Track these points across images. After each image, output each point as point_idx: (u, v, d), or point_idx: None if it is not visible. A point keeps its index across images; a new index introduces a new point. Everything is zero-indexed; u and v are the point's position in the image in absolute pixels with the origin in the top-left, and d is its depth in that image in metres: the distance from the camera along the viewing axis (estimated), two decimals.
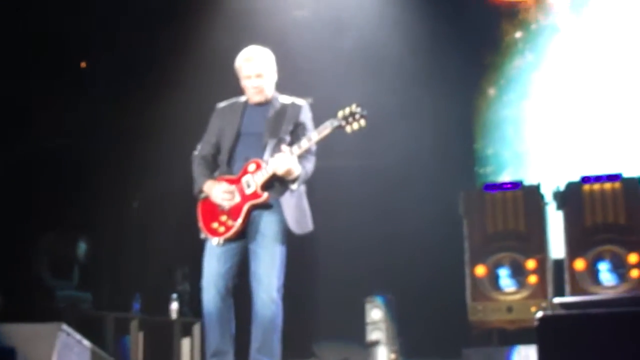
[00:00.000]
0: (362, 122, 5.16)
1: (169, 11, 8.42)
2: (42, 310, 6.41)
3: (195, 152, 5.50)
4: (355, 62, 8.51)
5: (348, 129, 5.17)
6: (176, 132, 7.76)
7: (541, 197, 7.72)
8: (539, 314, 4.14)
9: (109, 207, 8.37)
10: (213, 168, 5.42)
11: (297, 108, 5.37)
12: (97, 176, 8.38)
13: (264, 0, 8.43)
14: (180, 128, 7.10)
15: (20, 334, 5.40)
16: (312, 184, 5.43)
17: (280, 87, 5.43)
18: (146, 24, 8.44)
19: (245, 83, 5.36)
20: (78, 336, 5.38)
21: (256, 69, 5.32)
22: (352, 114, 5.15)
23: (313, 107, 5.45)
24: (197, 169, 5.44)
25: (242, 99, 5.45)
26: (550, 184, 7.79)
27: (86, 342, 5.43)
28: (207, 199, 5.32)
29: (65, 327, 5.30)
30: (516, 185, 7.82)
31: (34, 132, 7.97)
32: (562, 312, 4.30)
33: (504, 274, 7.65)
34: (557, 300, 6.73)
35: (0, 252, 6.78)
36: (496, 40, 8.92)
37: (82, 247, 7.29)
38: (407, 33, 8.57)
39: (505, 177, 8.56)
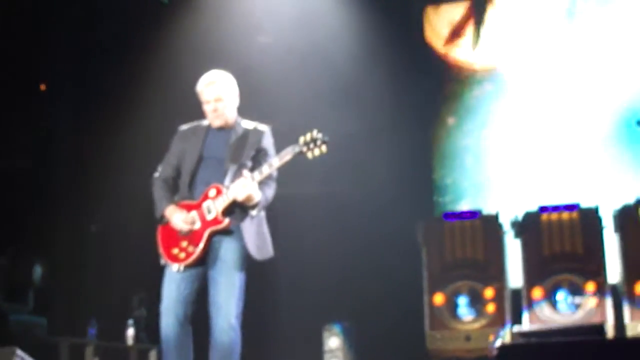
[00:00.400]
0: (323, 148, 5.16)
1: (131, 34, 8.40)
2: None
3: (156, 174, 5.45)
4: (317, 89, 8.52)
5: (309, 154, 5.17)
6: (136, 155, 7.71)
7: (499, 226, 7.77)
8: (498, 343, 4.15)
9: (67, 231, 8.29)
10: (174, 191, 5.38)
11: (259, 133, 5.35)
12: (55, 199, 8.31)
13: (227, 25, 8.42)
14: (141, 151, 7.06)
15: None
16: (273, 210, 5.41)
17: (242, 111, 5.41)
18: (108, 47, 8.40)
19: (205, 107, 5.34)
20: None
21: (216, 93, 5.30)
22: (314, 140, 5.15)
23: (274, 133, 5.45)
24: (158, 191, 5.38)
25: (205, 122, 5.43)
26: (508, 213, 7.84)
27: None
28: (167, 224, 5.28)
29: (19, 352, 5.22)
30: (474, 214, 7.86)
31: None
32: (520, 340, 4.31)
33: (462, 302, 7.67)
34: (516, 329, 6.77)
35: None
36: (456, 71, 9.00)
37: (37, 271, 7.19)
38: (368, 62, 8.62)
39: (463, 207, 8.60)
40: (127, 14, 8.38)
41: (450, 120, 8.98)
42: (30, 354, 5.74)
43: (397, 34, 8.72)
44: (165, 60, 8.16)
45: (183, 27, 8.36)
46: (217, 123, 5.34)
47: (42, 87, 8.78)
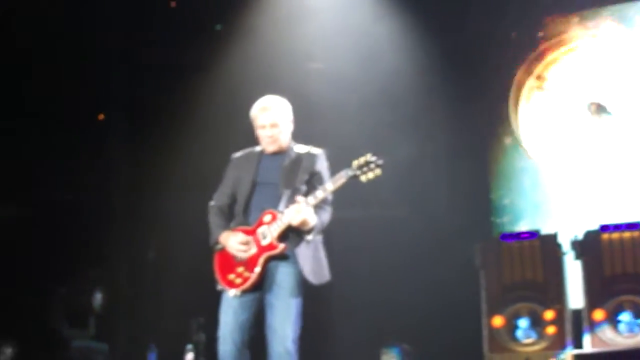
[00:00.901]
0: (378, 171, 5.16)
1: (185, 61, 8.49)
2: None
3: (212, 203, 5.51)
4: (372, 113, 8.51)
5: (363, 178, 5.17)
6: (192, 183, 7.78)
7: (559, 246, 7.64)
8: None
9: (125, 258, 8.37)
10: (229, 218, 5.42)
11: (312, 157, 5.37)
12: (113, 227, 8.40)
13: (280, 51, 8.47)
14: (197, 179, 7.12)
15: None
16: (329, 234, 5.41)
17: (296, 137, 5.44)
18: (162, 75, 8.50)
19: (260, 132, 5.37)
20: None
21: (271, 119, 5.34)
22: (367, 163, 5.16)
23: (330, 158, 5.46)
24: (213, 219, 5.44)
25: (258, 148, 5.46)
26: (568, 233, 7.73)
27: None
28: (223, 250, 5.32)
29: None
30: (533, 234, 7.75)
31: (50, 185, 8.00)
32: None
33: (521, 324, 7.56)
34: (574, 352, 6.66)
35: (17, 302, 6.77)
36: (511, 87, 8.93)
37: (98, 298, 7.28)
38: (422, 83, 8.60)
39: (522, 227, 8.49)
40: (181, 42, 8.48)
41: (507, 140, 8.90)
42: None
43: (453, 56, 8.68)
44: (219, 87, 8.22)
45: (236, 54, 8.42)
46: (271, 148, 5.37)
47: (100, 116, 8.90)
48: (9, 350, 6.02)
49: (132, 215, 8.44)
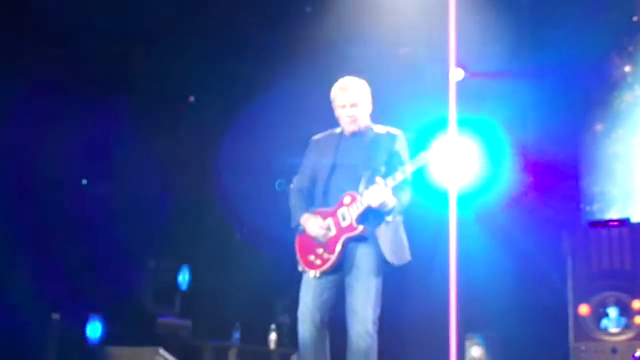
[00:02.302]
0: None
1: (274, 42, 8.55)
2: (143, 335, 6.52)
3: (292, 186, 5.55)
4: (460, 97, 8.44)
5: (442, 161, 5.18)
6: (280, 164, 7.84)
7: None
8: (638, 354, 4.02)
9: (213, 238, 8.49)
10: (309, 201, 5.44)
11: (392, 137, 5.36)
12: (202, 207, 8.53)
13: (367, 35, 8.46)
14: (285, 161, 7.17)
15: (121, 357, 5.53)
16: (410, 216, 5.41)
17: (376, 119, 5.45)
18: (250, 56, 8.58)
19: (340, 112, 5.38)
20: None
21: (351, 99, 5.34)
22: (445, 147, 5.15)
23: (412, 141, 5.46)
24: (294, 202, 5.47)
25: (337, 130, 5.48)
26: None
27: None
28: (304, 232, 5.36)
29: (162, 351, 5.40)
30: (623, 222, 7.61)
31: (143, 165, 8.16)
32: None
33: (609, 314, 7.43)
34: None
35: (106, 278, 6.95)
36: (605, 75, 8.74)
37: (185, 276, 7.41)
38: (510, 67, 8.49)
39: (612, 215, 8.33)
40: (270, 23, 8.54)
41: (599, 127, 8.73)
42: (175, 356, 5.94)
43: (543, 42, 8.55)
44: (306, 69, 8.25)
45: (323, 36, 8.44)
46: (351, 128, 5.37)
47: (191, 99, 9.02)
48: None
49: (221, 193, 8.55)
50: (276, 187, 6.85)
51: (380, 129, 5.41)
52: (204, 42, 8.55)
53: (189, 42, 8.47)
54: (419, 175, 5.26)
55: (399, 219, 5.32)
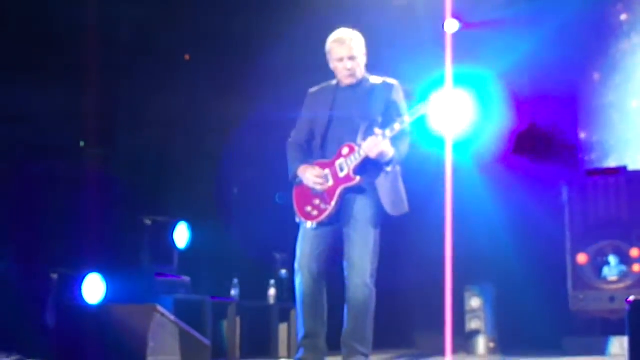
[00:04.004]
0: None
1: None
2: (141, 293, 6.54)
3: (290, 139, 5.53)
4: (455, 48, 8.38)
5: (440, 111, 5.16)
6: (276, 119, 7.79)
7: None
8: (631, 298, 4.02)
9: (210, 194, 8.48)
10: (307, 153, 5.43)
11: (388, 87, 5.32)
12: (198, 164, 8.51)
13: None
14: (280, 115, 7.13)
15: (118, 314, 5.54)
16: (408, 167, 5.39)
17: (370, 72, 5.42)
18: (241, 9, 8.52)
19: (337, 65, 5.34)
20: (173, 317, 5.48)
21: (348, 51, 5.30)
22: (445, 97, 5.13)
23: (409, 93, 5.43)
24: (292, 155, 5.46)
25: (333, 82, 5.45)
26: None
27: (181, 324, 5.52)
28: (302, 184, 5.34)
29: (159, 307, 5.40)
30: (620, 170, 7.60)
31: (139, 124, 8.13)
32: None
33: (609, 262, 7.44)
34: None
35: (103, 236, 6.95)
36: (601, 23, 8.68)
37: (182, 232, 7.40)
38: (506, 17, 8.43)
39: (609, 164, 8.30)
40: None
41: (596, 76, 8.68)
42: (174, 313, 5.94)
43: None
44: (302, 23, 8.17)
45: None
46: (348, 81, 5.34)
47: (186, 57, 8.97)
48: None
49: (216, 151, 8.53)
50: (276, 199, 6.91)
51: (376, 79, 5.38)
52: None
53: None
54: (417, 124, 5.22)
55: (398, 169, 5.30)
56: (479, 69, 7.85)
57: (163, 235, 7.26)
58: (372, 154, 5.12)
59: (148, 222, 7.10)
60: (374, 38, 5.52)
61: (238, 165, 8.58)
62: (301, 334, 5.29)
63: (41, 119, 7.20)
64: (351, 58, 5.30)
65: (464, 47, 8.28)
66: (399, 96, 5.34)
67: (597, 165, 8.38)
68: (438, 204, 7.93)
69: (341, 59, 5.31)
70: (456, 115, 7.92)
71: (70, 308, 6.14)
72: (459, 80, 7.42)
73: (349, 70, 5.31)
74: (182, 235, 7.40)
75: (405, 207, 5.32)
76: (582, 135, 8.66)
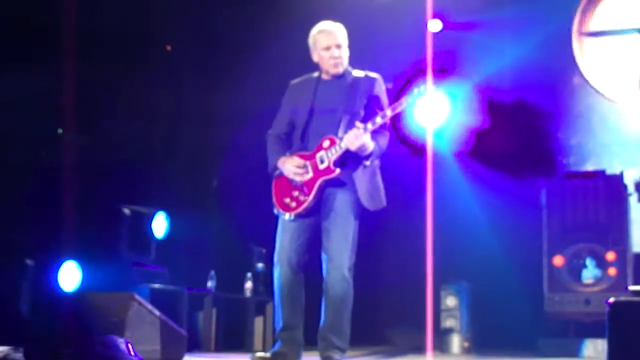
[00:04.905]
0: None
1: None
2: (118, 282, 6.52)
3: (270, 131, 5.53)
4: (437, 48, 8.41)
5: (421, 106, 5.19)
6: (255, 111, 7.79)
7: (624, 187, 7.52)
8: (611, 300, 4.05)
9: (189, 186, 8.47)
10: (287, 145, 5.44)
11: (370, 81, 5.34)
12: (178, 155, 8.49)
13: None
14: (259, 106, 7.14)
15: (95, 302, 5.52)
16: (387, 163, 5.41)
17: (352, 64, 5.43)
18: (228, 3, 8.51)
19: (323, 55, 5.33)
20: (150, 306, 5.47)
21: (335, 40, 5.31)
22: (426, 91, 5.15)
23: (389, 91, 5.46)
24: (272, 147, 5.47)
25: (315, 74, 5.45)
26: (634, 174, 7.59)
27: (158, 313, 5.51)
28: (281, 176, 5.35)
29: (137, 296, 5.39)
30: (597, 174, 7.65)
31: (119, 113, 8.10)
32: (634, 298, 4.18)
33: (582, 265, 7.49)
34: (633, 287, 6.56)
35: (80, 223, 6.91)
36: None
37: (160, 223, 7.38)
38: (489, 18, 8.47)
39: (588, 167, 8.35)
40: None
41: (576, 79, 8.72)
42: (150, 302, 5.92)
43: None
44: (285, 17, 8.17)
45: None
46: (334, 70, 5.33)
47: (168, 47, 8.94)
48: None
49: (197, 142, 8.52)
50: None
51: (358, 72, 5.40)
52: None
53: None
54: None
55: (376, 163, 5.32)
56: (456, 78, 7.91)
57: (141, 225, 7.23)
58: (353, 147, 5.14)
59: (127, 211, 7.07)
60: (356, 33, 5.54)
61: (217, 157, 8.57)
62: (279, 325, 5.31)
63: (19, 106, 7.16)
64: (338, 46, 5.31)
65: (446, 46, 8.32)
66: (380, 90, 5.36)
67: (575, 168, 8.42)
68: (417, 202, 7.94)
69: (328, 48, 5.31)
70: (435, 112, 7.97)
71: (46, 295, 6.10)
72: (437, 83, 7.44)
73: (335, 58, 5.31)
74: (160, 225, 7.37)
75: (382, 202, 5.34)
76: (562, 138, 8.70)
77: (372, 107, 5.27)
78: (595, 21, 8.64)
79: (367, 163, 5.23)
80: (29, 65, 7.15)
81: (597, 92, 8.53)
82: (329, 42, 5.31)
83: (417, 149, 8.04)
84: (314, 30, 5.40)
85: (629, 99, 8.36)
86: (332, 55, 5.31)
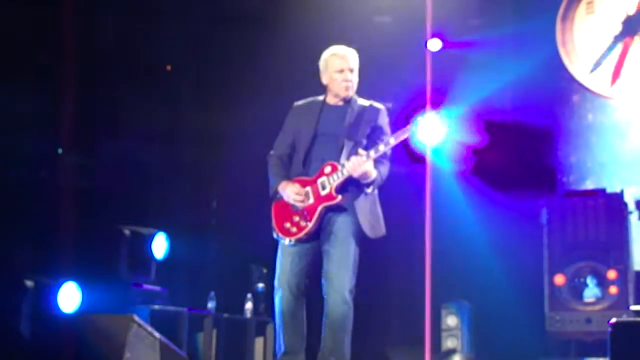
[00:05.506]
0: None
1: (249, 11, 8.48)
2: (117, 303, 6.50)
3: (271, 152, 5.52)
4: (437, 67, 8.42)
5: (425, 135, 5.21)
6: (255, 132, 7.80)
7: (624, 205, 7.52)
8: (613, 320, 4.05)
9: (189, 207, 8.46)
10: (288, 168, 5.43)
11: (375, 111, 5.36)
12: (178, 175, 8.49)
13: (344, 4, 8.42)
14: (260, 126, 7.15)
15: (95, 324, 5.51)
16: (393, 188, 5.42)
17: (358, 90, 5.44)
18: (228, 27, 8.52)
19: (335, 77, 5.33)
20: (149, 328, 5.46)
21: (349, 64, 5.33)
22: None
23: (389, 111, 5.46)
24: (272, 169, 5.46)
25: (320, 98, 5.45)
26: (634, 193, 7.60)
27: (157, 334, 5.49)
28: (281, 199, 5.34)
29: (136, 318, 5.38)
30: (598, 193, 7.65)
31: (119, 134, 8.11)
32: (636, 318, 4.18)
33: (583, 283, 7.48)
34: (634, 307, 6.56)
35: (80, 245, 6.90)
36: None
37: (160, 244, 7.37)
38: (489, 38, 8.49)
39: (588, 186, 8.36)
40: None
41: (576, 98, 8.74)
42: (150, 324, 5.91)
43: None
44: (283, 39, 8.20)
45: (300, 6, 8.35)
46: (344, 94, 5.34)
47: (168, 67, 8.96)
48: None
49: (197, 162, 8.53)
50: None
51: (363, 101, 5.42)
52: (178, 10, 8.48)
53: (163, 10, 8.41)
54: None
55: (376, 192, 5.33)
56: (455, 96, 7.93)
57: (141, 246, 7.21)
58: (356, 174, 5.15)
59: (127, 231, 7.06)
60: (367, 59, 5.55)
61: (217, 178, 8.57)
62: (281, 350, 5.30)
63: (19, 126, 7.16)
64: (351, 70, 5.34)
65: (446, 66, 8.33)
66: (384, 121, 5.39)
67: (575, 187, 8.43)
68: (417, 222, 7.94)
69: (341, 70, 5.32)
70: (435, 130, 7.95)
71: (46, 317, 6.09)
72: (437, 104, 7.45)
73: (347, 81, 5.33)
74: (160, 246, 7.35)
75: (382, 230, 5.37)
76: (562, 157, 8.70)
77: (375, 137, 5.29)
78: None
79: (369, 190, 5.24)
80: (29, 85, 7.17)
81: (589, 89, 8.51)
82: (342, 65, 5.32)
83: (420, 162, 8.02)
84: (327, 53, 5.41)
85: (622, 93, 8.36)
86: (345, 78, 5.32)
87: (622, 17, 8.43)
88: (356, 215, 5.24)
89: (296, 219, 5.27)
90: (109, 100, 7.96)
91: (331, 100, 5.40)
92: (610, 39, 8.47)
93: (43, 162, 7.49)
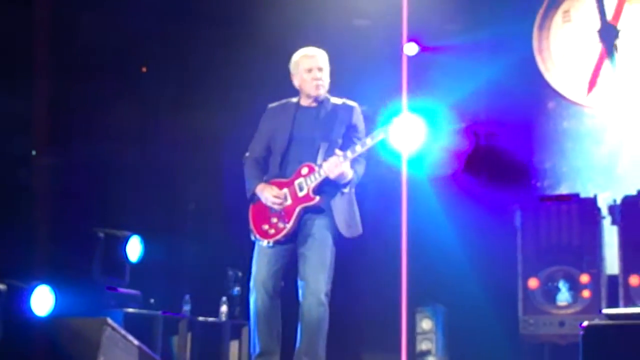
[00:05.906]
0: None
1: (227, 13, 8.47)
2: (91, 306, 6.47)
3: (247, 154, 5.52)
4: (413, 71, 8.45)
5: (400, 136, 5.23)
6: (232, 133, 7.79)
7: (597, 210, 7.58)
8: (585, 323, 4.08)
9: (165, 209, 8.43)
10: (265, 170, 5.44)
11: (349, 109, 5.37)
12: (153, 177, 8.46)
13: (325, 6, 8.42)
14: (237, 129, 7.14)
15: (68, 327, 5.48)
16: (364, 188, 5.42)
17: (332, 92, 5.45)
18: (204, 29, 8.51)
19: (305, 77, 5.35)
20: (123, 331, 5.43)
21: (318, 63, 5.35)
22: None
23: (365, 114, 5.47)
24: (249, 171, 5.46)
25: (294, 100, 5.46)
26: (607, 198, 7.66)
27: (131, 338, 5.47)
28: (258, 202, 5.34)
29: (110, 321, 5.35)
30: (572, 198, 7.71)
31: (93, 135, 8.06)
32: (608, 322, 4.21)
33: (557, 287, 7.53)
34: (606, 311, 6.60)
35: (54, 247, 6.86)
36: None
37: (135, 246, 7.33)
38: (464, 42, 8.52)
39: (562, 191, 8.41)
40: None
41: (551, 105, 8.79)
42: (124, 327, 5.88)
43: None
44: (260, 42, 8.19)
45: (281, 7, 8.35)
46: (315, 92, 5.34)
47: (144, 69, 8.93)
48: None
49: (173, 164, 8.50)
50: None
51: (336, 100, 5.42)
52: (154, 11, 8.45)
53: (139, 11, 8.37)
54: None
55: (352, 191, 5.34)
56: (430, 100, 7.94)
57: (115, 248, 7.17)
58: (333, 175, 5.16)
59: (101, 234, 7.02)
60: (332, 56, 5.54)
61: (193, 180, 8.55)
62: (256, 351, 5.29)
63: None
64: (320, 69, 5.35)
65: (422, 70, 8.36)
66: (358, 118, 5.40)
67: (550, 192, 8.48)
68: (392, 224, 7.95)
69: (310, 70, 5.34)
70: (412, 137, 7.98)
71: (19, 320, 6.04)
72: (413, 107, 7.47)
73: (317, 79, 5.33)
74: (134, 248, 7.32)
75: (359, 229, 5.38)
76: (537, 162, 8.75)
77: (350, 135, 5.31)
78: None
79: (345, 190, 5.26)
80: (1, 86, 7.11)
81: (564, 97, 8.57)
82: (311, 65, 5.34)
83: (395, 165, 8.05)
84: (296, 56, 5.43)
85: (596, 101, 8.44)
86: (314, 77, 5.33)
87: (598, 26, 8.49)
88: (332, 214, 5.26)
89: (274, 220, 5.27)
90: (83, 101, 7.91)
91: (304, 101, 5.41)
92: (587, 48, 8.53)
93: (16, 164, 7.43)
